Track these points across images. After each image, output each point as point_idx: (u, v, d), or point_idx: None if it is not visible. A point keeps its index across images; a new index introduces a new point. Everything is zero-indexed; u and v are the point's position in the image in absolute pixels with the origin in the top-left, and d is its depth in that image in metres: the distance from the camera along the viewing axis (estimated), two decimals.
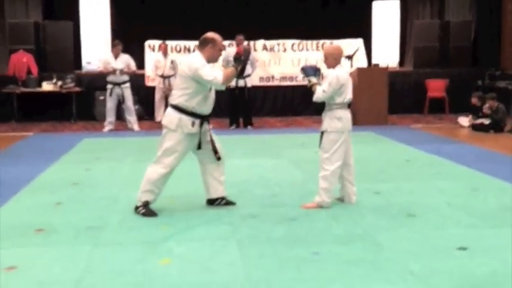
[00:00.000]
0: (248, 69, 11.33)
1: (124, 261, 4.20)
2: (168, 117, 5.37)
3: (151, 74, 12.91)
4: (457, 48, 14.75)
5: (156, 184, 5.34)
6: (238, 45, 11.16)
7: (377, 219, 5.20)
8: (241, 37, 11.45)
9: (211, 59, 5.39)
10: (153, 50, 13.16)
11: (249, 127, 11.75)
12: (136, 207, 5.40)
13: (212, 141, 5.46)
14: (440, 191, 6.23)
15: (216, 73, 5.26)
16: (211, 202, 5.66)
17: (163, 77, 12.45)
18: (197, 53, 5.42)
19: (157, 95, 12.62)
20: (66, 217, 5.36)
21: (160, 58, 12.54)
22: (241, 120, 11.88)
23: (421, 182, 6.70)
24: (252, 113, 12.06)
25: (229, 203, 5.70)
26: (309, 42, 13.58)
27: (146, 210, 5.35)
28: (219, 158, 5.49)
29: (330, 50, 5.71)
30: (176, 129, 5.27)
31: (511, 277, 3.85)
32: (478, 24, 15.20)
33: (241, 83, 11.40)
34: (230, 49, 11.54)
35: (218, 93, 5.53)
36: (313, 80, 5.66)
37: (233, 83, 11.19)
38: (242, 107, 11.83)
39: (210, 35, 5.42)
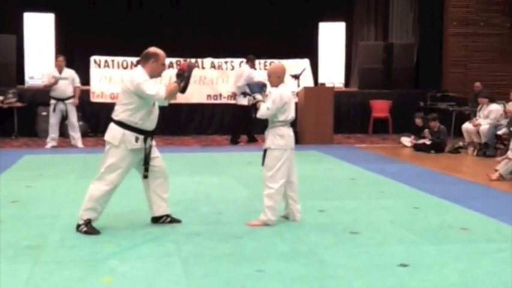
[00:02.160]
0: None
1: (65, 280, 4.10)
2: (110, 132, 5.29)
3: None
4: (400, 70, 15.11)
5: (99, 201, 5.25)
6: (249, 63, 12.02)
7: (321, 237, 5.25)
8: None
9: (154, 74, 5.36)
10: (99, 65, 12.97)
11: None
12: (78, 225, 5.29)
13: (148, 158, 5.37)
14: (383, 209, 6.34)
15: (158, 88, 5.24)
16: (156, 220, 5.59)
17: None
18: (139, 68, 5.38)
19: None
20: (6, 236, 5.20)
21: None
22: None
23: (364, 201, 6.80)
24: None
25: (174, 220, 5.64)
26: (257, 61, 13.63)
27: (88, 228, 5.25)
28: (145, 177, 5.42)
29: (273, 69, 5.80)
30: (119, 145, 5.21)
31: None
32: (420, 46, 15.63)
33: (244, 101, 11.54)
34: (252, 70, 12.06)
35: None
36: (258, 96, 5.72)
37: (240, 101, 11.57)
38: (245, 124, 11.97)
39: (153, 49, 5.40)
